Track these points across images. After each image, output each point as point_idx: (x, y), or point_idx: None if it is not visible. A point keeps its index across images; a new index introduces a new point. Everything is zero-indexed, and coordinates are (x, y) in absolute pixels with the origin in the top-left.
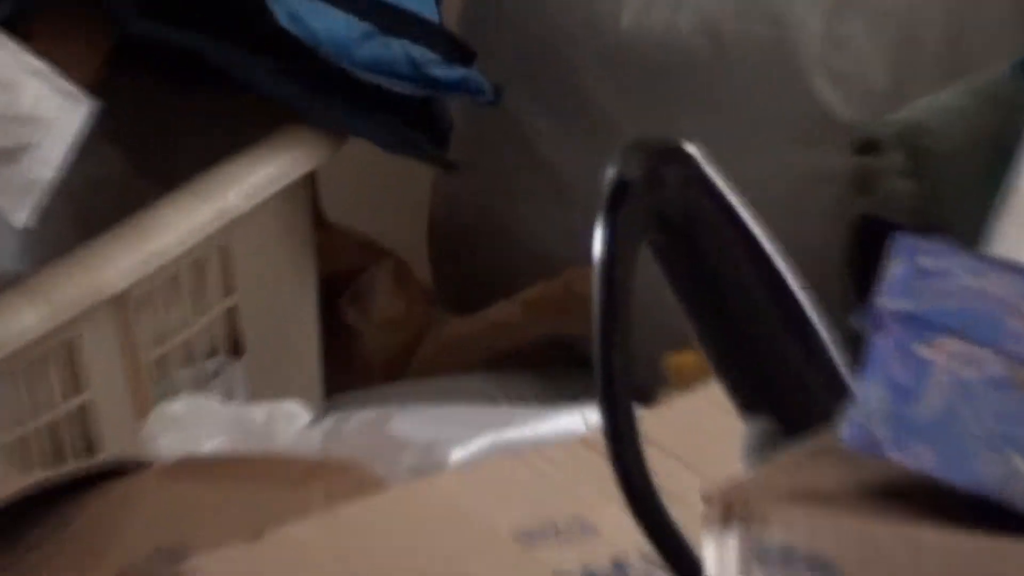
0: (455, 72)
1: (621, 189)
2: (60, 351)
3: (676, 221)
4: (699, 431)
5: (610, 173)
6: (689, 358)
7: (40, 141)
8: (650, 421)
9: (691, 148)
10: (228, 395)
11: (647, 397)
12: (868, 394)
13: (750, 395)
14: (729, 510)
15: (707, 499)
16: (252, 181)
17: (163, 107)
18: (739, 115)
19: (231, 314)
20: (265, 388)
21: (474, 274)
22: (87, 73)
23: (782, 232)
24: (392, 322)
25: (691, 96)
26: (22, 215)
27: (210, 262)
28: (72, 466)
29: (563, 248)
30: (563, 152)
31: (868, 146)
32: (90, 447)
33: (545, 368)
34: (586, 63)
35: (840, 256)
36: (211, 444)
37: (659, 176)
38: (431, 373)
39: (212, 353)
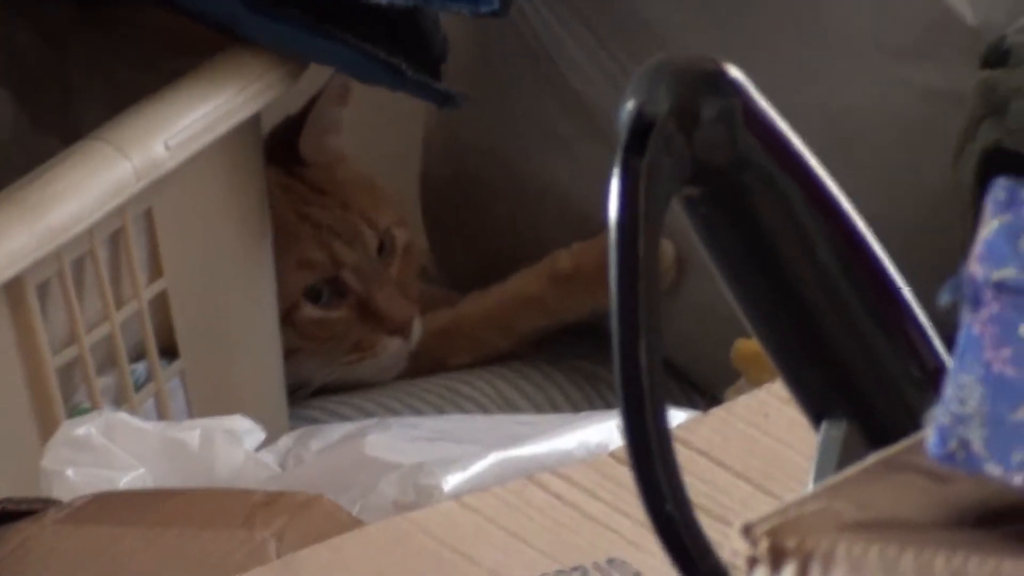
0: None
1: (643, 128)
2: None
3: (718, 169)
4: (764, 438)
5: (629, 107)
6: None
7: None
8: (704, 427)
9: (736, 72)
10: (161, 410)
11: (709, 395)
12: (960, 392)
13: (820, 393)
14: (780, 546)
15: (750, 533)
16: (182, 127)
17: (56, 38)
18: (836, 24)
19: (160, 303)
20: (209, 399)
21: (481, 239)
22: None
23: (893, 169)
24: None
25: (772, 9)
26: None
27: (130, 236)
28: None
29: (598, 205)
30: (596, 82)
31: (999, 57)
32: None
33: (574, 361)
34: None
35: (963, 199)
36: (133, 476)
37: (694, 110)
38: (426, 368)
39: (138, 355)
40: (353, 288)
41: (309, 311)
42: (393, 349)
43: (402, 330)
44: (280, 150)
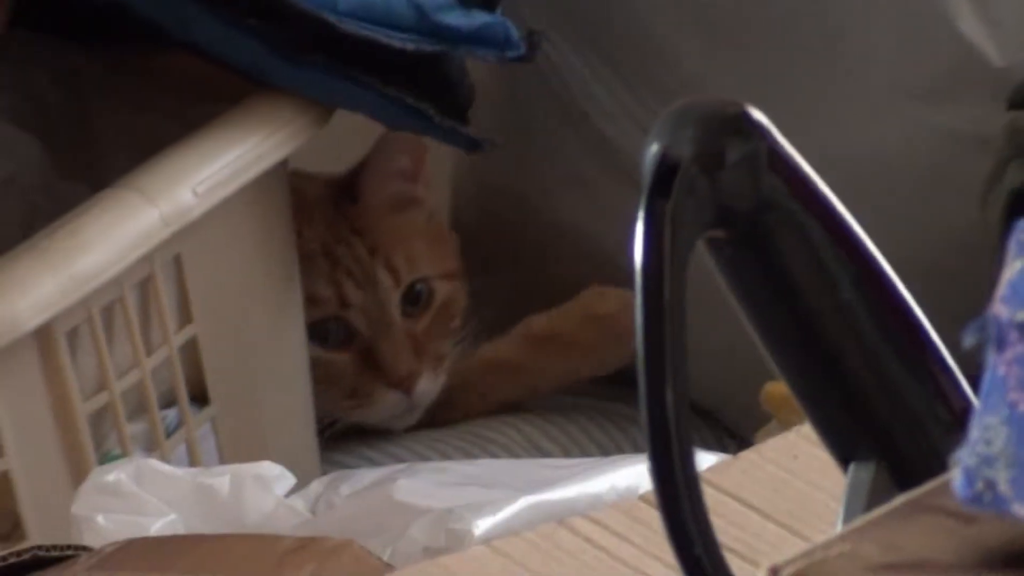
0: (473, 18)
1: (668, 172)
2: None
3: (743, 213)
4: (794, 480)
5: (653, 151)
6: None
7: None
8: (732, 470)
9: (759, 115)
10: (191, 456)
11: (740, 437)
12: (986, 433)
13: (847, 435)
14: None
15: (777, 575)
16: (210, 173)
17: (84, 80)
18: (858, 67)
19: (191, 349)
20: (240, 444)
21: (509, 281)
22: None
23: (917, 212)
24: None
25: (798, 46)
26: None
27: (159, 283)
28: None
29: (622, 245)
30: (621, 124)
31: None
32: (12, 529)
33: (601, 404)
34: (655, 3)
35: (992, 240)
36: (164, 522)
37: (719, 154)
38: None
39: (168, 402)
40: (359, 332)
41: (309, 349)
42: (391, 402)
43: (402, 384)
44: (347, 186)
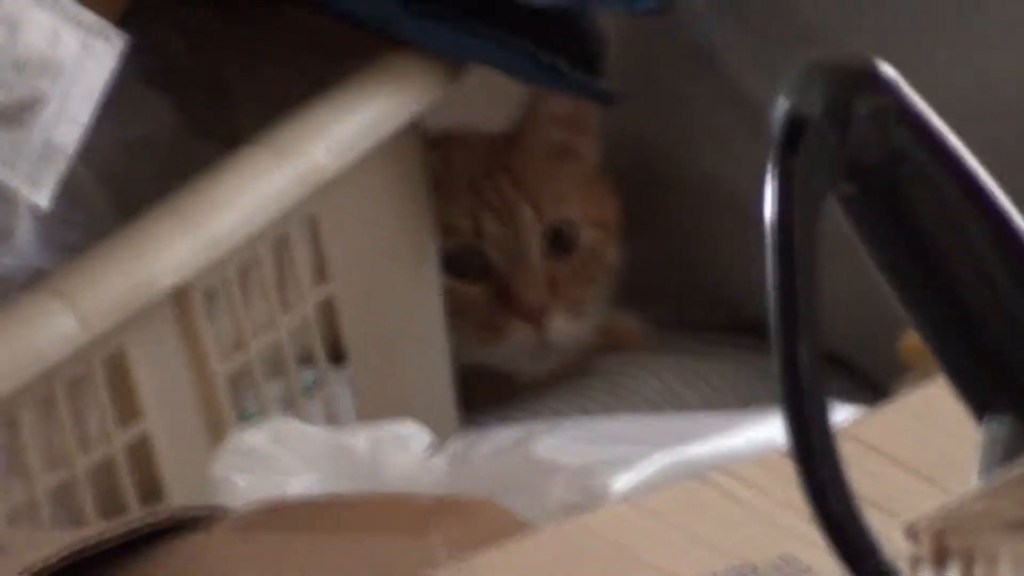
0: None
1: (797, 127)
2: (107, 367)
3: (873, 168)
4: (937, 433)
5: (782, 106)
6: None
7: (57, 93)
8: (873, 423)
9: (887, 69)
10: (330, 415)
11: (878, 389)
12: None
13: (982, 389)
14: (943, 546)
15: (913, 533)
16: (344, 131)
17: (214, 40)
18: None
19: (327, 309)
20: (378, 404)
21: (653, 234)
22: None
23: None
24: None
25: None
26: (40, 193)
27: (295, 242)
28: (127, 518)
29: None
30: (757, 77)
31: None
32: (151, 490)
33: (740, 353)
34: None
35: None
36: (302, 482)
37: (848, 109)
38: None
39: (306, 361)
40: (494, 264)
41: (444, 280)
42: (521, 336)
43: (532, 317)
44: (510, 134)
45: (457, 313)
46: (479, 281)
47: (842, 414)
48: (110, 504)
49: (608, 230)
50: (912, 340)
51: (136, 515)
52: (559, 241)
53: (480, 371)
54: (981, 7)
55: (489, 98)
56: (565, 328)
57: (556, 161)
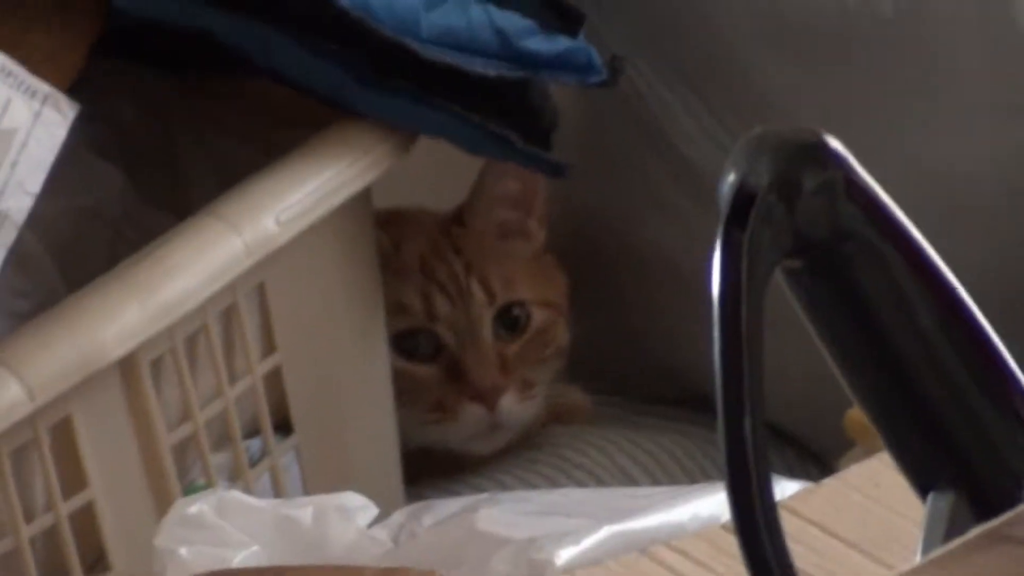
0: (556, 44)
1: (745, 200)
2: (54, 435)
3: (820, 242)
4: (880, 508)
5: (730, 179)
6: None
7: (7, 162)
8: (817, 497)
9: (836, 144)
10: (276, 486)
11: (823, 464)
12: None
13: (926, 464)
14: None
15: None
16: (293, 201)
17: (166, 109)
18: (948, 84)
19: (275, 379)
20: (325, 476)
21: (596, 306)
22: (66, 67)
23: (1003, 232)
24: None
25: (886, 65)
26: None
27: (243, 311)
28: None
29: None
30: (705, 149)
31: None
32: (95, 559)
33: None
34: (738, 26)
35: None
36: (247, 554)
37: (796, 182)
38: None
39: (252, 432)
40: (446, 345)
41: (394, 360)
42: (474, 418)
43: (485, 397)
44: (458, 213)
45: (407, 393)
46: (430, 361)
47: (786, 488)
48: (54, 572)
49: (558, 309)
50: (856, 415)
51: None
52: (510, 322)
53: (428, 450)
54: (930, 86)
55: (438, 174)
56: (516, 408)
57: (505, 241)
